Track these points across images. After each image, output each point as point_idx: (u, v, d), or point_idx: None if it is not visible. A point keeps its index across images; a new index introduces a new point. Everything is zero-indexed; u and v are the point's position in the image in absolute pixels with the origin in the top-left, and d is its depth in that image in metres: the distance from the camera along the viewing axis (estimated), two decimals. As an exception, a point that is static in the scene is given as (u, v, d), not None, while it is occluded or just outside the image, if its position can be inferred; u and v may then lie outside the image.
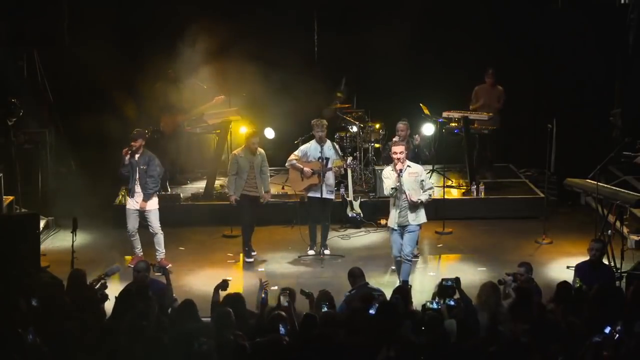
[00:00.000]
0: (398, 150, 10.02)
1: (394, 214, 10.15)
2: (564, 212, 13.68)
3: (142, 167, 11.25)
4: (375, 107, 14.61)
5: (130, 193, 11.35)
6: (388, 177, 10.13)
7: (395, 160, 9.99)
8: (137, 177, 11.24)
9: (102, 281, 8.59)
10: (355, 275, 9.02)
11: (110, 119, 13.61)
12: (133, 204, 11.35)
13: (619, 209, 11.14)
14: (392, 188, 9.99)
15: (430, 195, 10.24)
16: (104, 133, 13.72)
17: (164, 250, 11.48)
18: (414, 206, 10.04)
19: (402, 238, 10.15)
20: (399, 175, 9.97)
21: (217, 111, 14.13)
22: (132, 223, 11.35)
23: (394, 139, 11.71)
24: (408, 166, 10.10)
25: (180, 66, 13.87)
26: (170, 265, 11.42)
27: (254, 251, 11.79)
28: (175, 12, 14.14)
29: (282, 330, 7.04)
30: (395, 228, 10.16)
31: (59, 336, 6.89)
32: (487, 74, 14.32)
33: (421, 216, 10.17)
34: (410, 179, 10.06)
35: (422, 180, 10.15)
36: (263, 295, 8.03)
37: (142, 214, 11.34)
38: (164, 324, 7.55)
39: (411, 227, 10.11)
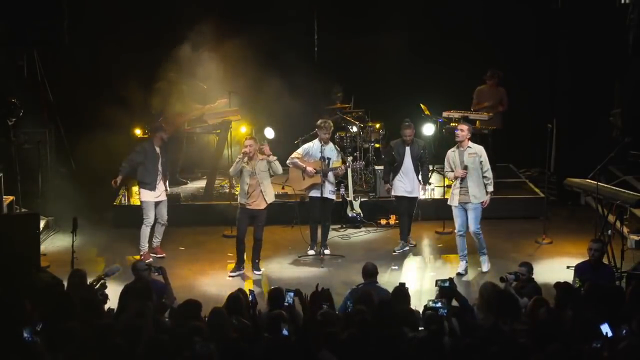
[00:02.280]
0: (460, 127, 10.98)
1: (455, 192, 10.92)
2: (564, 212, 13.68)
3: (163, 159, 11.60)
4: (375, 107, 14.61)
5: (151, 186, 11.46)
6: (450, 157, 11.02)
7: (455, 137, 10.98)
8: (161, 168, 11.52)
9: (102, 281, 8.59)
10: (367, 273, 9.03)
11: (111, 119, 13.60)
12: (152, 196, 11.52)
13: (619, 209, 11.14)
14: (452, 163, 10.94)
15: (491, 181, 11.01)
16: (104, 133, 13.71)
17: (160, 239, 11.74)
18: (474, 185, 10.81)
19: (465, 215, 10.91)
20: (460, 149, 10.85)
21: (217, 111, 14.12)
22: (153, 213, 11.56)
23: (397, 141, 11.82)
24: (469, 147, 10.88)
25: (180, 66, 13.86)
26: (164, 254, 11.55)
27: (259, 269, 11.29)
28: (176, 13, 14.13)
29: (284, 331, 7.02)
30: (456, 205, 10.88)
31: (60, 336, 6.88)
32: (486, 75, 14.29)
33: (482, 194, 10.92)
34: (471, 159, 10.84)
35: (482, 161, 10.88)
36: (250, 298, 8.01)
37: (156, 204, 11.60)
38: (164, 324, 7.56)
39: (470, 205, 10.86)
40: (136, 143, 12.44)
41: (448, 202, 11.16)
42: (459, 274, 10.98)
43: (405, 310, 7.68)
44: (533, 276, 9.01)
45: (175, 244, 12.24)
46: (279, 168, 11.23)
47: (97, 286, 8.51)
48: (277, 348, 6.68)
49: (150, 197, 11.53)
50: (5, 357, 6.54)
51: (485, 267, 11.11)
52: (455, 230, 11.15)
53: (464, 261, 11.15)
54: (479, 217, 10.94)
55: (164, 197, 11.68)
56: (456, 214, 11.01)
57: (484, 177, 10.92)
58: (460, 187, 10.85)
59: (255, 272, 11.23)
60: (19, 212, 12.31)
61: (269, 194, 11.20)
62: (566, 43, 14.60)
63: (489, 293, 8.03)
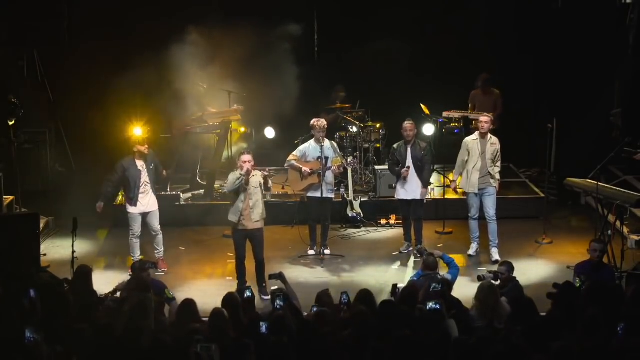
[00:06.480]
0: (484, 119, 11.62)
1: (474, 179, 11.54)
2: (564, 212, 13.67)
3: (151, 168, 11.13)
4: (376, 107, 14.61)
5: (132, 201, 11.05)
6: (469, 144, 11.69)
7: (480, 129, 11.59)
8: (148, 180, 11.07)
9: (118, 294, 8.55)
10: (426, 265, 9.09)
11: (110, 119, 13.59)
12: (135, 208, 11.11)
13: (619, 209, 11.12)
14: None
15: (499, 170, 11.73)
16: (104, 133, 13.70)
17: (161, 250, 11.37)
18: (492, 171, 11.60)
19: (480, 201, 11.61)
20: (483, 139, 11.54)
21: (217, 111, 14.08)
22: (138, 225, 11.16)
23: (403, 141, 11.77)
24: (490, 137, 11.60)
25: (178, 67, 13.81)
26: (165, 268, 11.34)
27: (267, 293, 10.13)
28: (176, 13, 14.13)
29: (263, 329, 7.00)
30: (476, 192, 11.55)
31: (62, 336, 6.88)
32: (477, 79, 14.26)
33: (497, 177, 11.70)
34: (492, 148, 11.56)
35: (498, 152, 11.63)
36: (249, 294, 8.02)
37: (144, 215, 11.18)
38: (165, 324, 7.55)
39: (491, 189, 11.59)
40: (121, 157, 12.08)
41: (466, 190, 11.74)
42: (470, 256, 11.66)
43: (409, 311, 7.68)
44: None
45: (176, 244, 12.23)
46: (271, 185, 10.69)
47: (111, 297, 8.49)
48: (278, 348, 6.68)
49: (134, 209, 11.12)
50: (6, 357, 6.54)
51: (497, 256, 11.40)
52: (470, 215, 11.70)
53: (476, 243, 11.75)
54: (495, 200, 11.61)
55: (151, 208, 11.14)
56: (472, 201, 11.66)
57: (495, 165, 11.58)
58: (482, 173, 11.47)
59: (263, 297, 10.18)
60: (19, 212, 12.32)
61: (258, 212, 10.31)
62: (567, 43, 14.59)
63: (486, 294, 8.03)
